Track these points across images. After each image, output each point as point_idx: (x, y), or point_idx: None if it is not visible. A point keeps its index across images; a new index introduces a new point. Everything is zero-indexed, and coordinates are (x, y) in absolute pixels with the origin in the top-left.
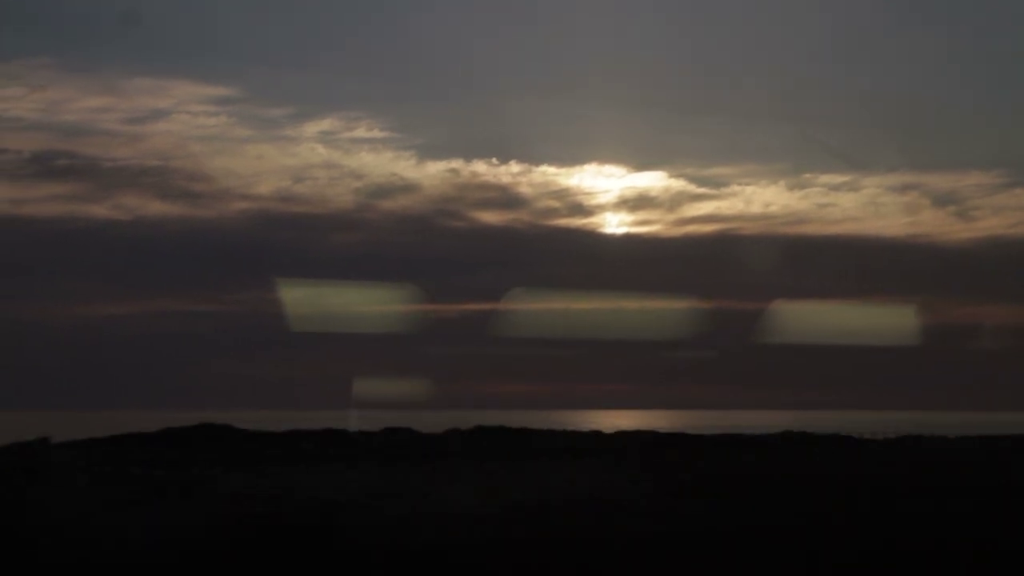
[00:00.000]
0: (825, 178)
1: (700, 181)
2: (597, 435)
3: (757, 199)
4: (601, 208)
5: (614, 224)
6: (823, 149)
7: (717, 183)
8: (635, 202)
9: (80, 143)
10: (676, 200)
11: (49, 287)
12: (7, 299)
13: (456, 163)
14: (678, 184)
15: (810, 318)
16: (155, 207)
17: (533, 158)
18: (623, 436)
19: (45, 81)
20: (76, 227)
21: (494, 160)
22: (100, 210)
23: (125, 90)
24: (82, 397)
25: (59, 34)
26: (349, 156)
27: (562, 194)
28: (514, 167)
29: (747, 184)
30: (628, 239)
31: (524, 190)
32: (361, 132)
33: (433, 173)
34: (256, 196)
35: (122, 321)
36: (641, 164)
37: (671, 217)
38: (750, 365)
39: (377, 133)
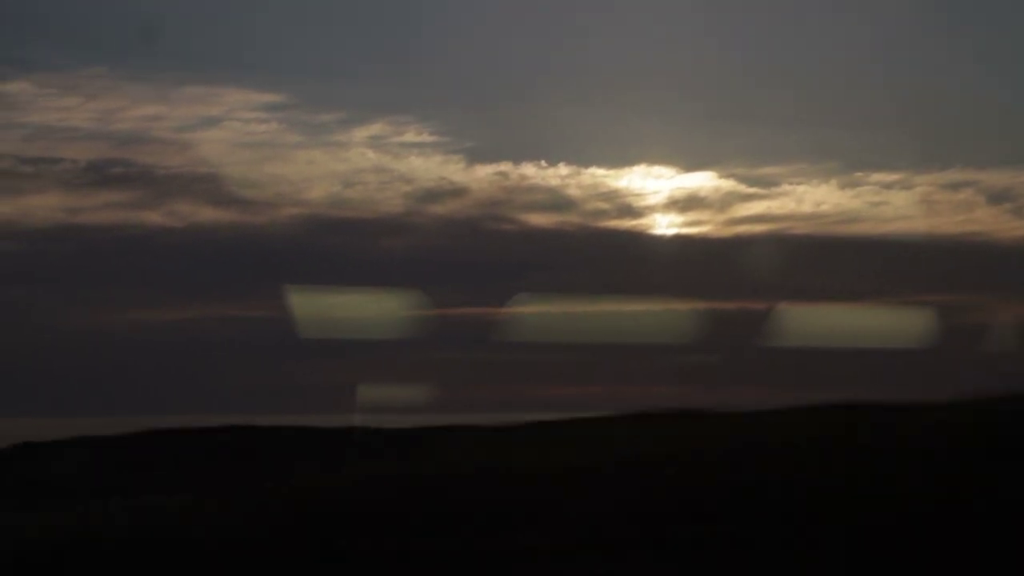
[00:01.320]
0: (877, 176)
1: (750, 181)
2: None
3: (808, 198)
4: (651, 209)
5: (664, 225)
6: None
7: (767, 183)
8: (685, 203)
9: (134, 151)
10: (726, 200)
11: (105, 294)
12: (65, 307)
13: (505, 166)
14: (728, 184)
15: (861, 320)
16: (207, 213)
17: (582, 160)
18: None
19: (99, 91)
20: (131, 234)
21: (543, 163)
22: (154, 217)
23: (177, 98)
24: (142, 402)
25: (112, 44)
26: (398, 160)
27: (611, 196)
28: (563, 169)
29: (798, 183)
30: (678, 240)
31: (573, 192)
32: (410, 136)
33: (482, 176)
34: (306, 201)
35: (178, 326)
36: (691, 165)
37: (721, 217)
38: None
39: (426, 137)
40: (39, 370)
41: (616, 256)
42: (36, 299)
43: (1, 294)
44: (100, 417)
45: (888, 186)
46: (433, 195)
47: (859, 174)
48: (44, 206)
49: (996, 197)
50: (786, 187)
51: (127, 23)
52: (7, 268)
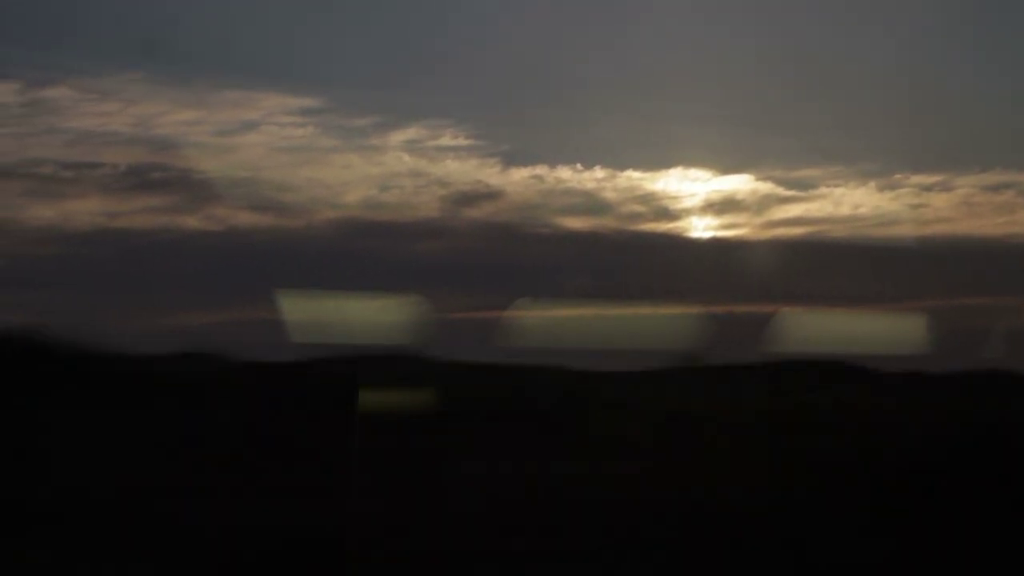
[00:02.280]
0: (916, 178)
1: (788, 183)
2: None
3: (846, 201)
4: (687, 212)
5: (700, 228)
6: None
7: (805, 185)
8: (721, 205)
9: (172, 156)
10: (763, 203)
11: (144, 297)
12: (104, 310)
13: (541, 169)
14: (765, 187)
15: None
16: (245, 217)
17: (618, 163)
18: None
19: (139, 96)
20: (170, 238)
21: (579, 166)
22: (192, 221)
23: (215, 103)
24: None
25: (151, 49)
26: (434, 164)
27: (647, 198)
28: (599, 172)
29: (836, 186)
30: (715, 243)
31: (609, 195)
32: (446, 140)
33: (518, 180)
34: (343, 205)
35: (216, 330)
36: (727, 167)
37: (758, 220)
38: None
39: (462, 141)
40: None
41: (652, 259)
42: (76, 302)
43: (42, 298)
44: None
45: (928, 188)
46: (469, 198)
47: (898, 176)
48: (84, 211)
49: None
50: (823, 189)
51: (166, 29)
52: (48, 272)
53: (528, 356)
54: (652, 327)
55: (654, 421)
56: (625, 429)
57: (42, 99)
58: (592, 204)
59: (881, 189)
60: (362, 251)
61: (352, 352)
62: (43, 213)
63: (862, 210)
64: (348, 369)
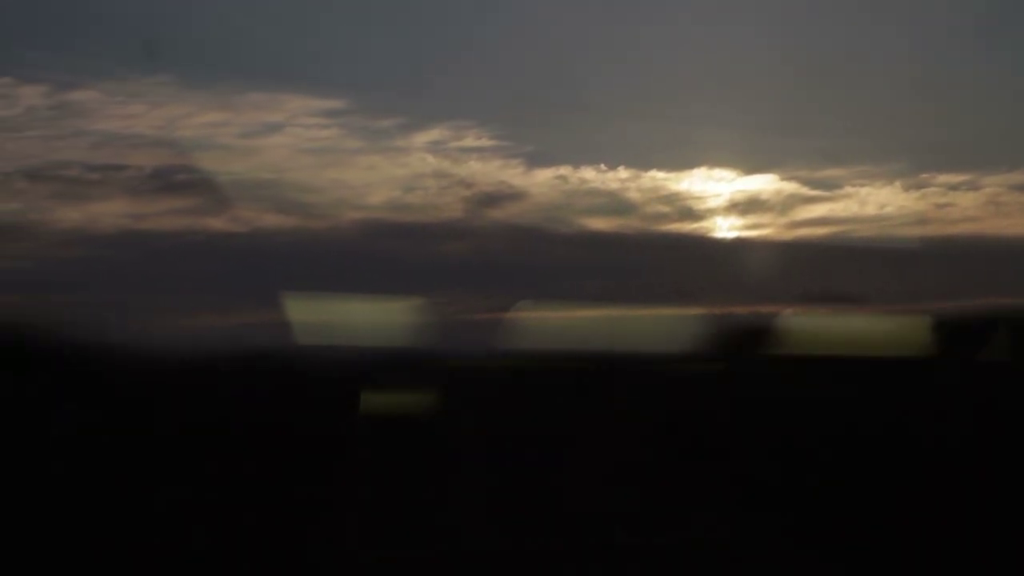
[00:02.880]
0: (943, 177)
1: (812, 183)
2: None
3: (872, 200)
4: (711, 212)
5: (725, 228)
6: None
7: (830, 185)
8: (746, 205)
9: (197, 158)
10: (788, 203)
11: (169, 299)
12: (130, 311)
13: (564, 170)
14: (790, 187)
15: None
16: (270, 219)
17: (642, 163)
18: None
19: (165, 99)
20: (195, 240)
21: (602, 166)
22: (217, 223)
23: (240, 105)
24: None
25: (177, 52)
26: (458, 165)
27: (671, 199)
28: (623, 173)
29: (861, 185)
30: (739, 243)
31: (633, 195)
32: (469, 141)
33: (541, 180)
34: (367, 206)
35: (243, 331)
36: (752, 167)
37: (783, 220)
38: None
39: (485, 142)
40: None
41: (677, 259)
42: (102, 304)
43: (69, 299)
44: None
45: (955, 187)
46: (492, 199)
47: (924, 175)
48: (110, 212)
49: None
50: (849, 189)
51: (192, 32)
52: (75, 274)
53: (549, 358)
54: (676, 328)
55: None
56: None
57: (69, 102)
58: (616, 205)
59: (907, 188)
60: (386, 252)
61: (373, 354)
62: (69, 215)
63: (888, 209)
64: (369, 371)
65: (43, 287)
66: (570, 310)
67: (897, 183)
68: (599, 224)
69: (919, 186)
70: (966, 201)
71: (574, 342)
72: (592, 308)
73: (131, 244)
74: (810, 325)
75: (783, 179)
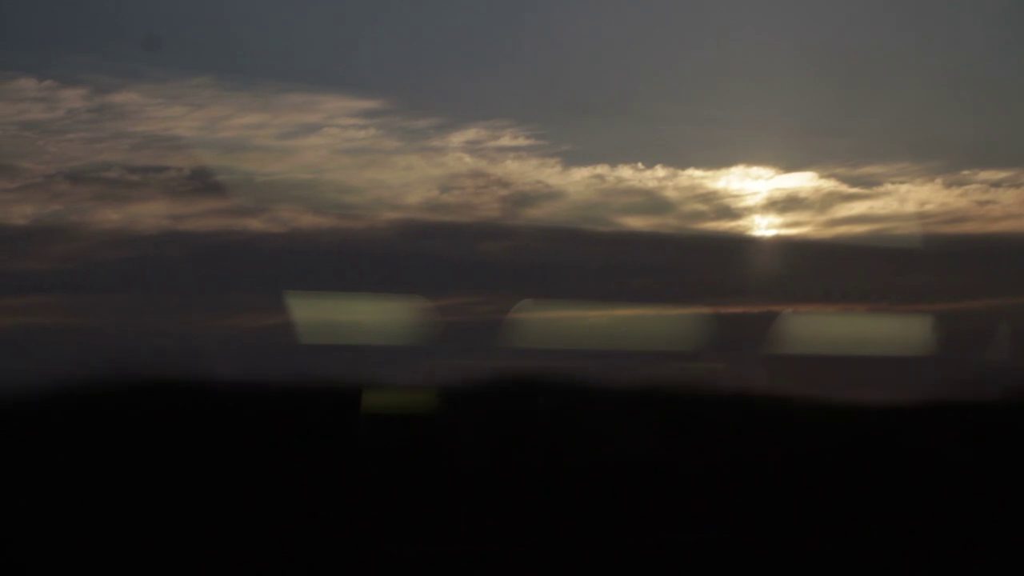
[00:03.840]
0: (985, 174)
1: (852, 181)
2: None
3: (912, 197)
4: (749, 211)
5: (763, 226)
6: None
7: (869, 182)
8: (784, 204)
9: (236, 159)
10: (827, 201)
11: (209, 299)
12: (171, 312)
13: (601, 169)
14: (829, 184)
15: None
16: (308, 219)
17: (679, 162)
18: None
19: (204, 100)
20: (233, 240)
21: (640, 165)
22: (255, 223)
23: (278, 106)
24: None
25: (216, 54)
26: (495, 165)
27: (709, 197)
28: (660, 171)
29: (901, 182)
30: (777, 241)
31: (670, 194)
32: (506, 140)
33: (578, 179)
34: (404, 206)
35: (281, 331)
36: (790, 165)
37: (822, 218)
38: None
39: (522, 141)
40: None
41: (714, 258)
42: (144, 305)
43: (111, 300)
44: None
45: (996, 184)
46: (529, 199)
47: (965, 172)
48: (150, 213)
49: None
50: (888, 186)
51: (231, 34)
52: (117, 275)
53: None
54: (713, 327)
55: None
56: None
57: (109, 104)
58: (653, 203)
59: (948, 185)
60: (424, 252)
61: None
62: (110, 217)
63: (929, 207)
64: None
65: (86, 288)
66: (607, 309)
67: (938, 180)
68: (637, 223)
69: (960, 183)
70: (1008, 198)
71: (608, 341)
72: (630, 307)
73: (171, 244)
74: (847, 325)
75: (821, 177)
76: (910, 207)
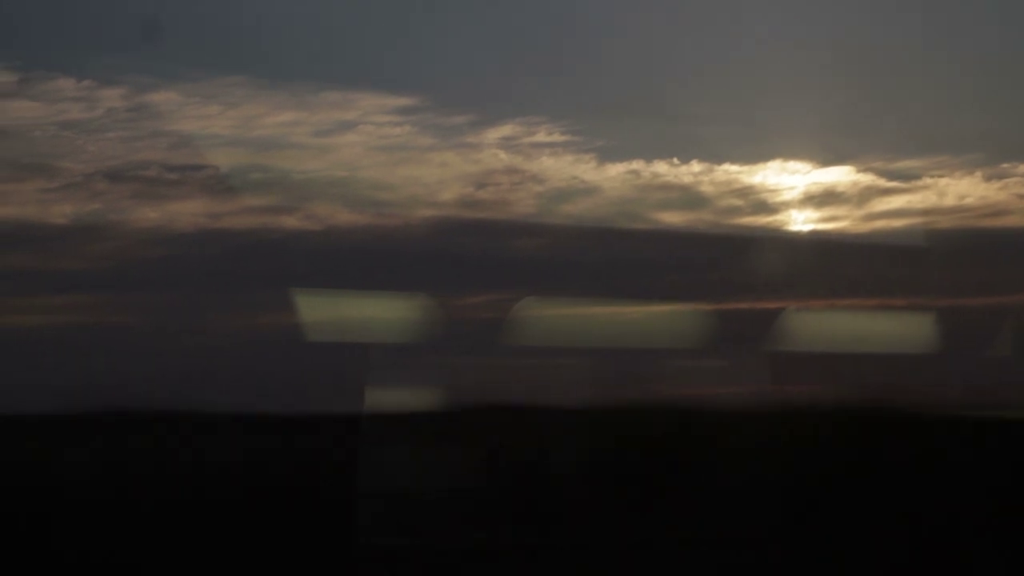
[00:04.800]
0: None
1: (890, 174)
2: None
3: (951, 191)
4: (786, 205)
5: (800, 221)
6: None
7: (908, 176)
8: (821, 198)
9: (273, 157)
10: (864, 195)
11: (247, 297)
12: (209, 309)
13: (637, 164)
14: (866, 178)
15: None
16: (344, 216)
17: (715, 157)
18: None
19: (240, 99)
20: (270, 238)
21: (675, 160)
22: (292, 221)
23: (313, 104)
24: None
25: (252, 53)
26: (530, 161)
27: (745, 192)
28: (695, 166)
29: (940, 176)
30: (814, 236)
31: (706, 189)
32: (541, 136)
33: (613, 175)
34: (440, 203)
35: (310, 330)
36: (827, 159)
37: (859, 213)
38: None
39: (557, 137)
40: (185, 368)
41: (751, 253)
42: (182, 303)
43: (150, 299)
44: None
45: None
46: (565, 195)
47: (1006, 165)
48: (188, 212)
49: None
50: (927, 180)
51: (267, 32)
52: (155, 273)
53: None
54: (751, 324)
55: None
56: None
57: (147, 104)
58: (689, 199)
59: (988, 179)
60: (459, 249)
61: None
62: (148, 215)
63: (968, 200)
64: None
65: (126, 287)
66: (645, 305)
67: (977, 173)
68: (672, 218)
69: (1000, 176)
70: None
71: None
72: (668, 303)
73: (209, 242)
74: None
75: (859, 171)
76: (949, 201)
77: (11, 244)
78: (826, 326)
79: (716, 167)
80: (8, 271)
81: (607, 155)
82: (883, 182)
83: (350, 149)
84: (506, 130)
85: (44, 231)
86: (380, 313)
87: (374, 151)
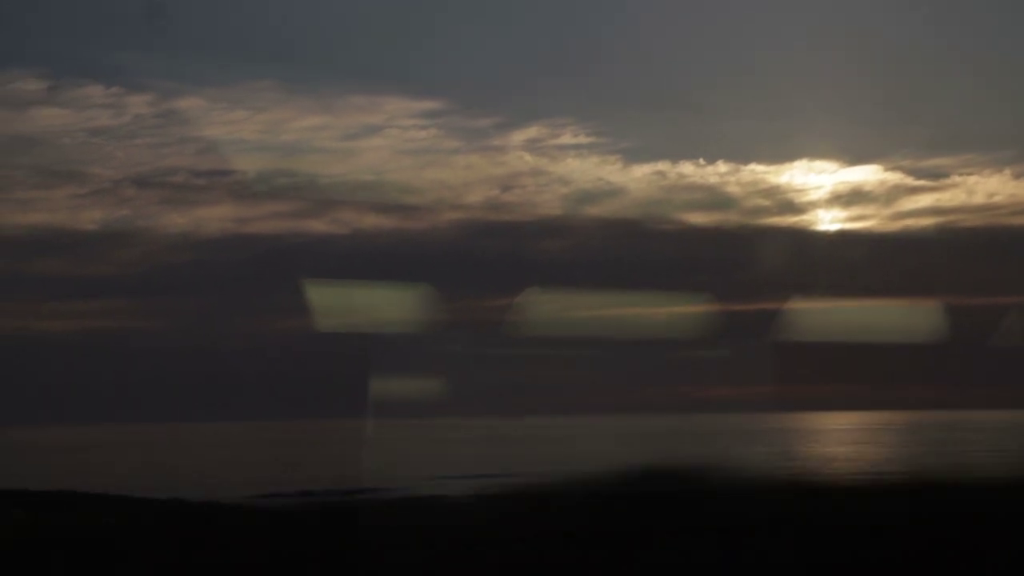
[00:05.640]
0: None
1: (918, 173)
2: None
3: (980, 189)
4: (813, 205)
5: (827, 221)
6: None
7: (936, 174)
8: (849, 197)
9: (299, 161)
10: (892, 194)
11: (274, 301)
12: (236, 313)
13: (663, 165)
14: (894, 177)
15: None
16: (370, 220)
17: (741, 157)
18: None
19: (266, 104)
20: (297, 242)
21: (701, 161)
22: (319, 225)
23: (340, 108)
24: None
25: (278, 57)
26: (555, 163)
27: (772, 192)
28: (721, 167)
29: (968, 174)
30: (842, 235)
31: (732, 190)
32: (567, 138)
33: (639, 176)
34: (466, 206)
35: (342, 333)
36: (854, 158)
37: (887, 211)
38: (990, 365)
39: (583, 139)
40: (216, 374)
41: (778, 253)
42: (210, 306)
43: (179, 303)
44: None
45: None
46: (591, 196)
47: None
48: (215, 217)
49: None
50: (956, 178)
51: (293, 37)
52: (183, 277)
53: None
54: (779, 321)
55: None
56: None
57: (175, 110)
58: (715, 199)
59: (1017, 176)
60: (485, 251)
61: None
62: (177, 221)
63: (997, 198)
64: None
65: (155, 291)
66: (672, 305)
67: (1006, 171)
68: (699, 219)
69: None
70: None
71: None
72: (696, 303)
73: (236, 247)
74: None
75: (887, 169)
76: (978, 199)
77: (43, 250)
78: (854, 320)
79: (742, 167)
80: (40, 276)
81: (633, 156)
82: (911, 180)
83: (376, 153)
84: (531, 132)
85: (74, 237)
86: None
87: (400, 154)
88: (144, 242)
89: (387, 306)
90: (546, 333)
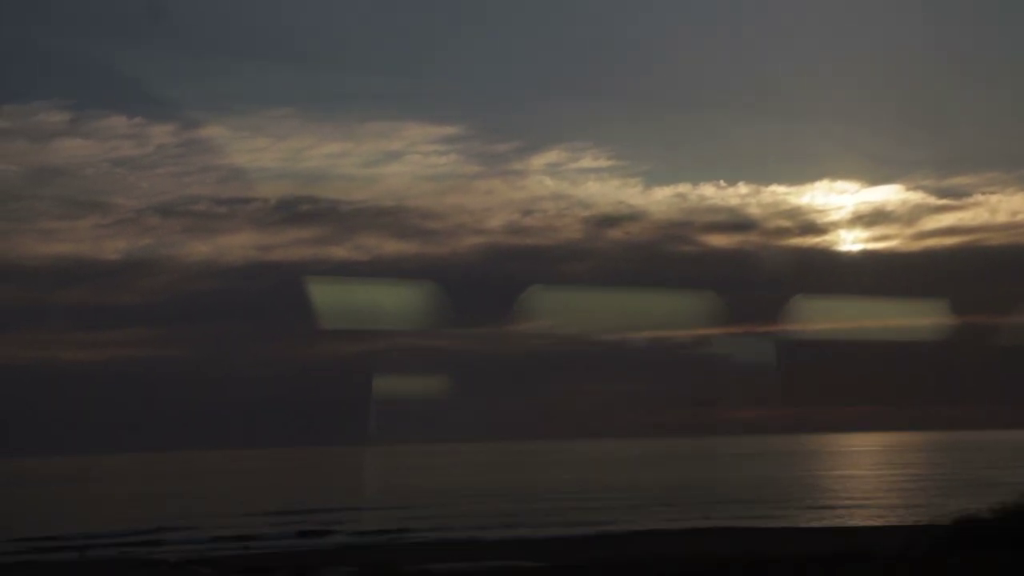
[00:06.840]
0: None
1: (940, 192)
2: None
3: (1003, 208)
4: (835, 225)
5: (849, 241)
6: None
7: (958, 193)
8: (871, 217)
9: (320, 188)
10: (914, 213)
11: (297, 327)
12: (259, 340)
13: (683, 187)
14: (916, 196)
15: None
16: (392, 246)
17: (762, 178)
18: None
19: (288, 131)
20: (319, 269)
21: (722, 182)
22: (340, 251)
23: (360, 135)
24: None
25: (299, 85)
26: (576, 186)
27: (793, 213)
28: (742, 188)
29: (991, 193)
30: (864, 256)
31: (753, 211)
32: (587, 162)
33: (660, 199)
34: (487, 231)
35: (368, 357)
36: (876, 178)
37: (909, 231)
38: (1001, 382)
39: (603, 162)
40: (240, 401)
41: (800, 275)
42: (234, 333)
43: (203, 330)
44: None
45: None
46: (612, 219)
47: None
48: (238, 245)
49: None
50: (979, 197)
51: (314, 65)
52: (207, 305)
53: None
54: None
55: None
56: None
57: (197, 139)
58: (736, 220)
59: None
60: (507, 275)
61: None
62: (199, 249)
63: (1021, 216)
64: None
65: (178, 320)
66: (695, 329)
67: None
68: (720, 241)
69: None
70: None
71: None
72: (720, 326)
73: (258, 275)
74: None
75: (909, 189)
76: (1001, 217)
77: (67, 280)
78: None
79: (763, 188)
80: (64, 306)
81: (653, 179)
82: (933, 200)
83: (397, 179)
84: (551, 156)
85: (98, 267)
86: (428, 341)
87: (421, 180)
88: (167, 271)
89: (402, 319)
90: (571, 353)
